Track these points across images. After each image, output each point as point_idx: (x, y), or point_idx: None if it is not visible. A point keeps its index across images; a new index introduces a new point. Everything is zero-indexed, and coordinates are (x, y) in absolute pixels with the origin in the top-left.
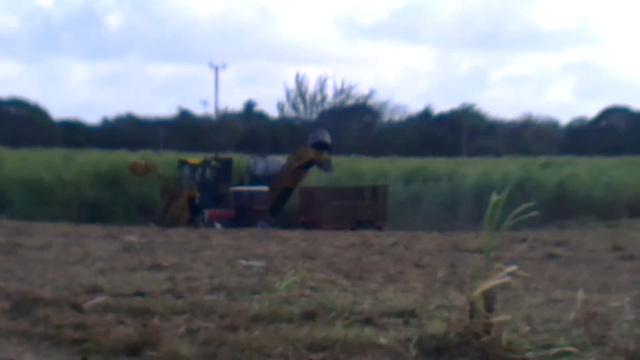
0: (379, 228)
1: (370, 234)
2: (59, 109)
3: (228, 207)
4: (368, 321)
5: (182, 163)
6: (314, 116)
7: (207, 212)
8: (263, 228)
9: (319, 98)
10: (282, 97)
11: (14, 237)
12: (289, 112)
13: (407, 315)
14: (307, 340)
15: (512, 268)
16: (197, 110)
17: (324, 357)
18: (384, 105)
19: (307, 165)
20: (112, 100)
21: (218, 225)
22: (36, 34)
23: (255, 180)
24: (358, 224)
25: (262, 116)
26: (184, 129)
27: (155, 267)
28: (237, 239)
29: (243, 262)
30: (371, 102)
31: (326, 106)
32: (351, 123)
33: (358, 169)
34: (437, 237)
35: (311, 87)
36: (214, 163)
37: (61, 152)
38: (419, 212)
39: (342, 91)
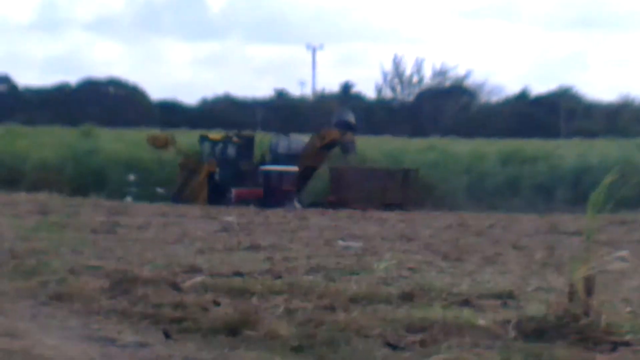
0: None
1: (467, 216)
2: (158, 90)
3: (249, 184)
4: (466, 302)
5: (204, 138)
6: (411, 98)
7: (235, 191)
8: (292, 208)
9: (415, 79)
10: (379, 78)
11: (113, 217)
12: (387, 93)
13: (505, 297)
14: (405, 321)
15: (622, 253)
16: (295, 91)
17: (422, 338)
18: (480, 86)
19: (330, 145)
20: (211, 81)
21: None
22: (138, 15)
23: (277, 159)
24: (386, 207)
25: (359, 97)
26: (281, 110)
27: (254, 247)
28: (335, 219)
29: (341, 243)
30: (468, 83)
31: (423, 87)
32: (448, 104)
33: (454, 150)
34: (534, 219)
35: (408, 68)
36: (235, 139)
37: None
38: (516, 193)
39: (439, 72)
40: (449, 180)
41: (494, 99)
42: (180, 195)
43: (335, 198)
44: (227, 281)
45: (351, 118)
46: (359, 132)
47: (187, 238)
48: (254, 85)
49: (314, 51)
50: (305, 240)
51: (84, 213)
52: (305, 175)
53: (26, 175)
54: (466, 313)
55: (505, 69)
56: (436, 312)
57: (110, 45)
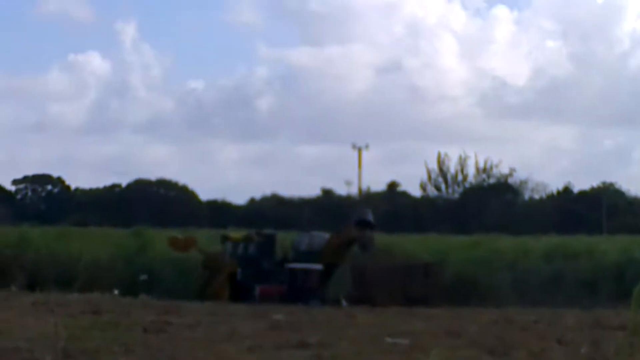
0: (430, 306)
1: (512, 311)
2: (208, 190)
3: (272, 282)
4: None
5: (225, 238)
6: (456, 195)
7: (259, 288)
8: (315, 306)
9: (460, 177)
10: (424, 176)
11: (164, 316)
12: (431, 191)
13: None
14: None
15: None
16: (341, 190)
17: None
18: (524, 183)
19: (349, 243)
20: (260, 180)
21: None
22: (188, 117)
23: (299, 256)
24: (409, 301)
25: (404, 195)
26: (328, 209)
27: (302, 344)
28: (382, 316)
29: (388, 340)
30: (512, 180)
31: (467, 185)
32: (492, 201)
33: (498, 246)
34: (579, 314)
35: (452, 166)
36: (256, 238)
37: (208, 232)
38: (560, 289)
39: (483, 170)
40: (493, 277)
41: (537, 195)
42: (202, 295)
43: (358, 294)
44: None
45: (369, 217)
46: (406, 230)
47: (236, 336)
48: (301, 184)
49: (359, 151)
50: (352, 337)
51: (135, 312)
52: (327, 272)
53: (79, 275)
54: None
55: (548, 165)
56: None
57: (160, 147)
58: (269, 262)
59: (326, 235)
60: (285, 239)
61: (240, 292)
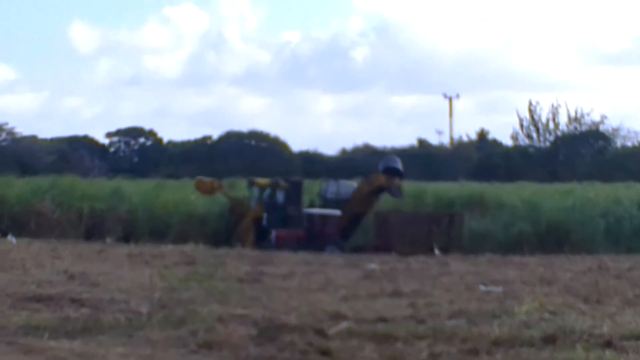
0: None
1: (606, 259)
2: (300, 142)
3: (294, 228)
4: (608, 344)
5: (251, 183)
6: (547, 144)
7: (276, 233)
8: (332, 252)
9: (551, 126)
10: (515, 125)
11: (258, 267)
12: (523, 139)
13: None
14: None
15: None
16: (433, 139)
17: None
18: (616, 131)
19: (378, 191)
20: (352, 131)
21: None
22: (284, 69)
23: (326, 204)
24: (432, 251)
25: (495, 144)
26: (420, 159)
27: (396, 293)
28: (475, 264)
29: (482, 288)
30: (603, 128)
31: (559, 133)
32: (584, 150)
33: (590, 194)
34: None
35: (544, 115)
36: (283, 185)
37: None
38: None
39: (574, 119)
40: (586, 224)
41: (630, 143)
42: (228, 239)
43: (380, 243)
44: (371, 327)
45: (398, 165)
46: (497, 178)
47: (330, 286)
48: (393, 135)
49: (450, 100)
50: (446, 285)
51: (230, 263)
52: (354, 220)
53: (172, 227)
54: (608, 355)
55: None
56: (579, 354)
57: (255, 99)
58: (295, 208)
59: (354, 184)
60: (313, 186)
61: (265, 238)
